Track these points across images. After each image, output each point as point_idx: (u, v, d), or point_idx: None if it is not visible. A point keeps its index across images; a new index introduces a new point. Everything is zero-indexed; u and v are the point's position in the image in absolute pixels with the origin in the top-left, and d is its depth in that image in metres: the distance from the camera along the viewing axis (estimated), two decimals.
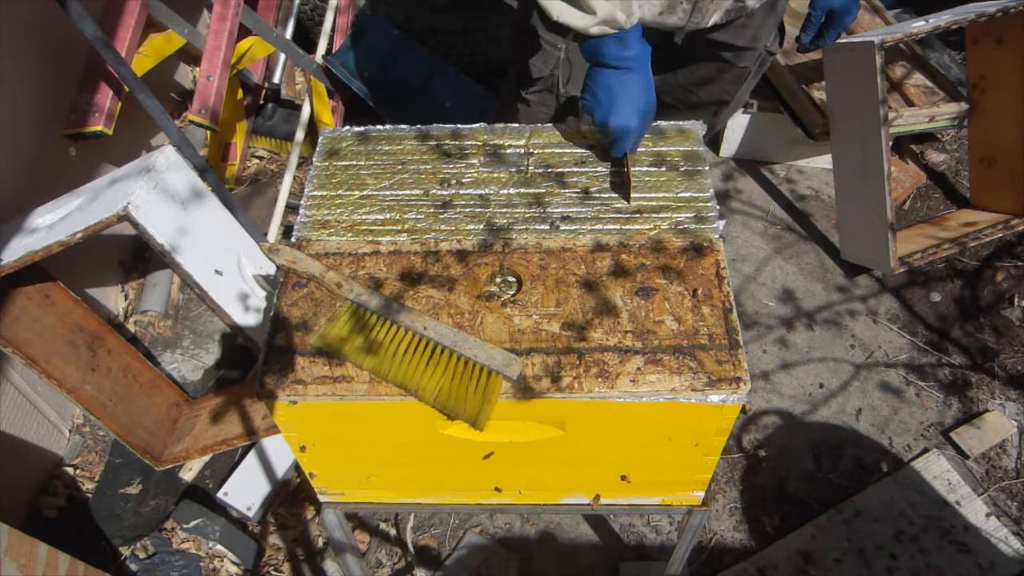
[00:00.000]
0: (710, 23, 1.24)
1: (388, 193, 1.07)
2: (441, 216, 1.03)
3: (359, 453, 1.02)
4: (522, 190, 1.06)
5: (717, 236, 0.99)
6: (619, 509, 1.15)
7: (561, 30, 1.09)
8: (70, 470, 1.78)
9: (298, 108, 2.32)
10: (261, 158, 2.44)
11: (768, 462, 1.81)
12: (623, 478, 1.05)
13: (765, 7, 1.31)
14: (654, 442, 0.96)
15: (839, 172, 2.11)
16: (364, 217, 1.04)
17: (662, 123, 1.14)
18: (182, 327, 2.06)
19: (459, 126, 1.15)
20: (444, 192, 1.06)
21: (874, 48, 1.83)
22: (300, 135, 2.19)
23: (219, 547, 1.66)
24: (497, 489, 1.10)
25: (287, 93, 2.54)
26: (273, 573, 1.66)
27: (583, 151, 1.11)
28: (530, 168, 1.09)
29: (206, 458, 1.78)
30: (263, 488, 1.72)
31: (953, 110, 2.18)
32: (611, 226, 1.01)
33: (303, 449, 1.01)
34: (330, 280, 0.94)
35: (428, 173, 1.09)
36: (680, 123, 1.14)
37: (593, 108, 1.06)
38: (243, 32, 1.97)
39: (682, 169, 1.08)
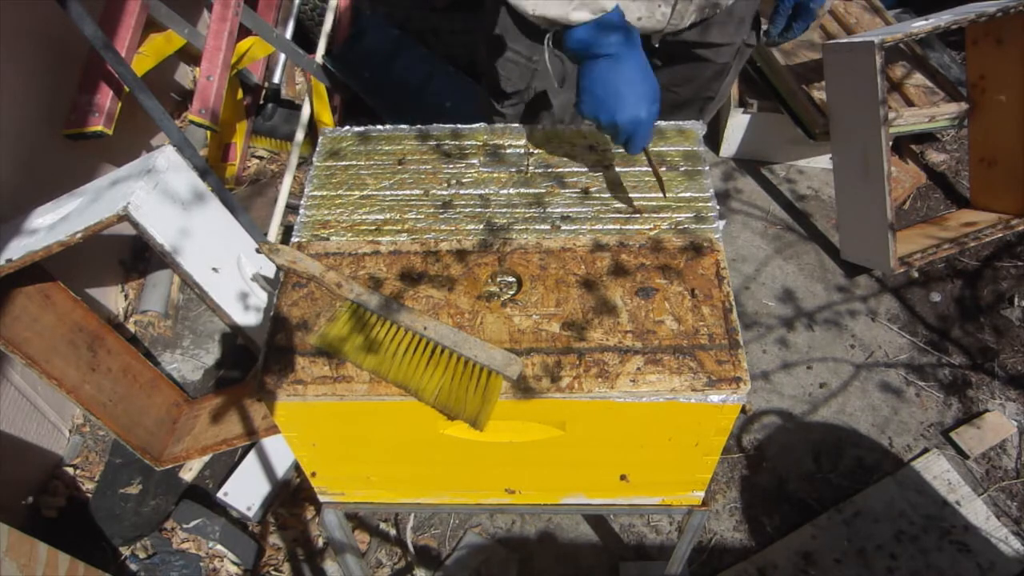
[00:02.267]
0: (687, 24, 1.23)
1: (388, 193, 1.07)
2: (441, 216, 1.03)
3: (359, 453, 1.02)
4: (522, 190, 1.06)
5: (717, 236, 0.99)
6: (619, 509, 1.15)
7: (539, 31, 1.01)
8: (70, 470, 1.78)
9: (298, 108, 2.32)
10: (261, 158, 2.44)
11: (768, 462, 1.81)
12: (622, 478, 1.05)
13: (742, 1, 1.30)
14: (654, 442, 0.96)
15: (839, 172, 2.11)
16: (364, 217, 1.04)
17: (661, 123, 1.14)
18: (182, 327, 2.06)
19: (459, 126, 1.15)
20: (444, 192, 1.06)
21: (874, 48, 1.83)
22: (300, 135, 2.19)
23: (219, 547, 1.66)
24: (509, 491, 1.10)
25: (287, 93, 2.54)
26: (273, 573, 1.66)
27: (583, 151, 1.11)
28: (530, 168, 1.09)
29: (206, 458, 1.78)
30: (263, 488, 1.72)
31: (953, 110, 2.18)
32: (611, 226, 1.01)
33: (303, 449, 1.01)
34: (330, 280, 0.94)
35: (428, 173, 1.09)
36: (680, 123, 1.14)
37: (596, 109, 0.96)
38: (243, 32, 1.97)
39: (682, 169, 1.08)
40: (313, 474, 1.08)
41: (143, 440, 1.67)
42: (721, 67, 1.41)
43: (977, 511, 1.71)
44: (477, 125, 1.15)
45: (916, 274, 2.16)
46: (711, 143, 2.45)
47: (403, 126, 1.16)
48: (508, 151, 1.11)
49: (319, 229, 1.03)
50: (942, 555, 1.64)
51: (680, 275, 0.95)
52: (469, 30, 2.43)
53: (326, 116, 2.27)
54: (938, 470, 1.77)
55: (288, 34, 2.30)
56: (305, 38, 2.45)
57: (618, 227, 1.01)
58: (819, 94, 2.14)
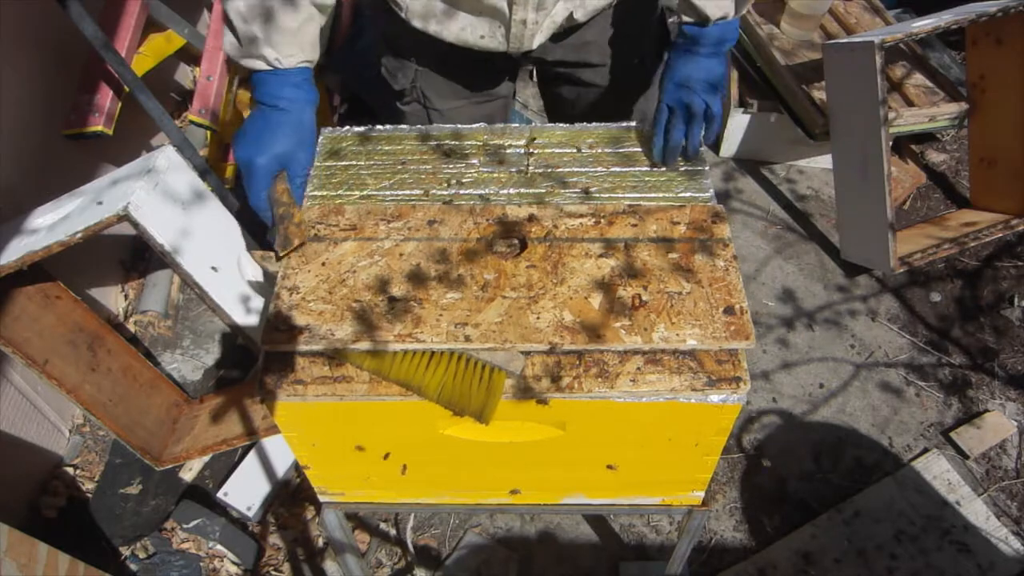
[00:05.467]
0: (534, 45, 1.16)
1: (388, 193, 1.07)
2: None
3: (359, 453, 1.02)
4: (522, 190, 1.06)
5: None
6: (619, 509, 1.15)
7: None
8: (70, 470, 1.78)
9: None
10: None
11: (768, 462, 1.81)
12: (609, 467, 1.05)
13: (604, 22, 1.22)
14: (654, 442, 0.96)
15: (839, 172, 2.11)
16: None
17: None
18: (182, 327, 2.06)
19: (459, 126, 1.15)
20: (444, 192, 1.06)
21: (874, 48, 1.83)
22: None
23: (219, 547, 1.66)
24: (513, 492, 1.10)
25: None
26: (273, 573, 1.66)
27: (583, 151, 1.11)
28: (530, 168, 1.09)
29: (206, 458, 1.78)
30: (263, 488, 1.72)
31: (953, 110, 2.19)
32: None
33: (303, 449, 1.01)
34: None
35: (428, 173, 1.09)
36: None
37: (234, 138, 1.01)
38: None
39: (682, 169, 1.08)
40: (314, 474, 1.08)
41: (143, 440, 1.67)
42: (606, 89, 1.33)
43: (977, 511, 1.71)
44: (477, 125, 1.15)
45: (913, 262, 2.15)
46: (711, 143, 2.45)
47: (403, 126, 1.16)
48: (508, 151, 1.11)
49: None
50: (942, 555, 1.64)
51: None
52: None
53: (326, 116, 2.27)
54: (938, 470, 1.77)
55: None
56: None
57: None
58: (819, 94, 2.14)
